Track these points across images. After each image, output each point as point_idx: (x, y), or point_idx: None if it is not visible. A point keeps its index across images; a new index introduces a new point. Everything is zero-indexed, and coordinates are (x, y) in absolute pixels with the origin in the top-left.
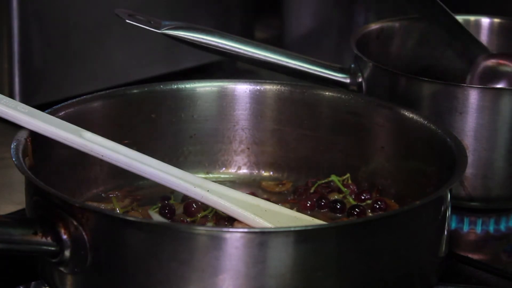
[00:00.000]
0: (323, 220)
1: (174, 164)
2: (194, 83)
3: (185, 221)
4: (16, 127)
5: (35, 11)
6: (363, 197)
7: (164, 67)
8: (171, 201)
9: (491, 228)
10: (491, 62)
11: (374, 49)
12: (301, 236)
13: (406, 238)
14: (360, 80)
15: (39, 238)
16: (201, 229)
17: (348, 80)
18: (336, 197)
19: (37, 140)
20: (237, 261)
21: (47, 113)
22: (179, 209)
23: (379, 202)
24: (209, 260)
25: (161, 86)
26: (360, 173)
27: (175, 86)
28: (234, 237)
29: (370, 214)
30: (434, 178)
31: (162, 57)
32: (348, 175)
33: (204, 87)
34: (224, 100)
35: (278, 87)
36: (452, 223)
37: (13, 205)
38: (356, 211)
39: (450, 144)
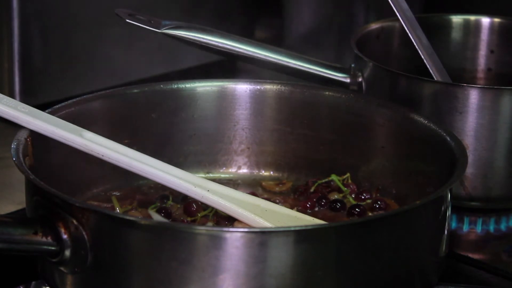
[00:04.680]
0: (323, 220)
1: (174, 164)
2: (194, 83)
3: (185, 220)
4: (16, 126)
5: (35, 11)
6: (363, 197)
7: (164, 67)
8: (170, 201)
9: (491, 228)
10: None
11: (374, 49)
12: (301, 236)
13: (406, 238)
14: (360, 80)
15: (39, 238)
16: (201, 229)
17: (348, 80)
18: (336, 196)
19: (37, 140)
20: (237, 261)
21: (48, 112)
22: (179, 209)
23: (379, 202)
24: (209, 260)
25: (161, 86)
26: (360, 173)
27: (175, 86)
28: (234, 237)
29: (370, 214)
30: (434, 178)
31: (162, 57)
32: (348, 174)
33: (204, 87)
34: (224, 100)
35: (278, 87)
36: (452, 223)
37: (13, 205)
38: (357, 211)
39: (450, 144)
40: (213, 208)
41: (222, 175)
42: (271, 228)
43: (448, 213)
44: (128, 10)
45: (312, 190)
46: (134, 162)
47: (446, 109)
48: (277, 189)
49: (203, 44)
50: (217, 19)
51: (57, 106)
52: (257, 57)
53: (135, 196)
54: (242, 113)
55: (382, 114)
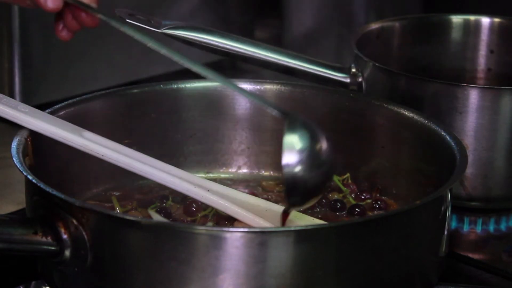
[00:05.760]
0: (323, 220)
1: (174, 164)
2: (194, 83)
3: (185, 220)
4: (16, 126)
5: (35, 11)
6: (363, 197)
7: (164, 67)
8: (169, 201)
9: (491, 228)
10: None
11: (374, 49)
12: (301, 236)
13: (406, 238)
14: (360, 80)
15: (39, 238)
16: (201, 229)
17: (348, 80)
18: (336, 196)
19: (37, 139)
20: (237, 261)
21: (48, 112)
22: (179, 209)
23: (379, 202)
24: (209, 260)
25: (161, 86)
26: (360, 173)
27: (175, 86)
28: (234, 237)
29: (370, 214)
30: (434, 178)
31: (162, 57)
32: (348, 174)
33: (204, 87)
34: (224, 100)
35: (278, 87)
36: (452, 223)
37: (13, 205)
38: (357, 211)
39: (450, 144)
40: (213, 208)
41: (222, 175)
42: (271, 228)
43: (448, 213)
44: (128, 10)
45: None
46: (134, 162)
47: (446, 109)
48: (277, 189)
49: (203, 44)
50: (217, 19)
51: (57, 106)
52: (257, 57)
53: (135, 196)
54: (242, 113)
55: (382, 114)
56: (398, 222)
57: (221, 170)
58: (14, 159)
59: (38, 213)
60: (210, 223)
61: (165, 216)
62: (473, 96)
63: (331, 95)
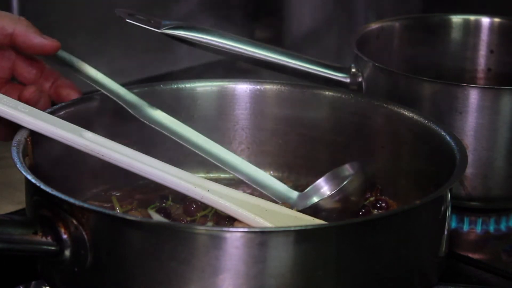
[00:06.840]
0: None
1: (174, 164)
2: (194, 83)
3: (185, 220)
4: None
5: (35, 11)
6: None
7: (164, 67)
8: (169, 201)
9: (491, 228)
10: None
11: (374, 49)
12: (301, 236)
13: (406, 238)
14: (360, 80)
15: (39, 238)
16: (201, 229)
17: (348, 80)
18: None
19: (37, 139)
20: (237, 261)
21: (48, 112)
22: (179, 209)
23: (380, 202)
24: (209, 260)
25: (161, 86)
26: None
27: (175, 86)
28: (234, 237)
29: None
30: (434, 178)
31: (162, 57)
32: None
33: (204, 87)
34: (224, 100)
35: (278, 87)
36: (452, 223)
37: (13, 205)
38: (362, 211)
39: (450, 144)
40: (212, 208)
41: (222, 175)
42: (271, 228)
43: (448, 213)
44: (128, 10)
45: None
46: (134, 162)
47: (446, 109)
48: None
49: (203, 44)
50: (217, 19)
51: (57, 106)
52: (257, 57)
53: (135, 196)
54: (242, 113)
55: (382, 114)
56: (398, 222)
57: (221, 170)
58: (14, 159)
59: (38, 213)
60: (209, 223)
61: (165, 216)
62: (473, 96)
63: (331, 95)
